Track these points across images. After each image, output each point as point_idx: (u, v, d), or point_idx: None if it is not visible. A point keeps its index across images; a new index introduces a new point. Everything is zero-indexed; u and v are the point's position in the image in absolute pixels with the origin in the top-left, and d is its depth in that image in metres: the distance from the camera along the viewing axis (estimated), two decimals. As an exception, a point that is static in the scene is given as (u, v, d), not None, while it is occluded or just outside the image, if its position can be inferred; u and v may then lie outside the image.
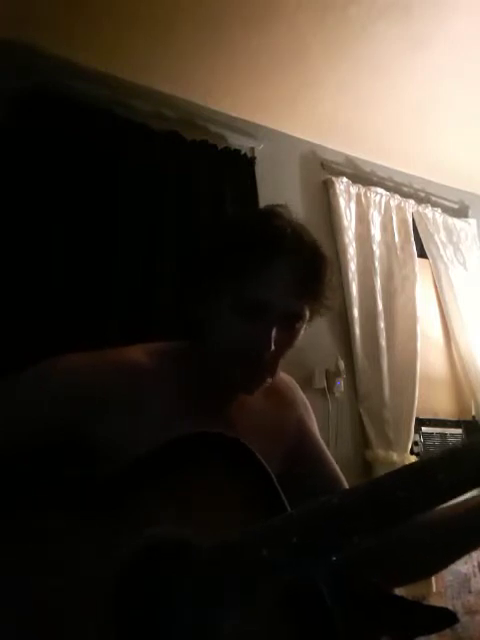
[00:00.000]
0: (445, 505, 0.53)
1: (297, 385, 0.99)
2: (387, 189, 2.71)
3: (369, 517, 0.51)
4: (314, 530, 0.52)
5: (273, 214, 0.82)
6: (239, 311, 0.77)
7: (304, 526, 0.52)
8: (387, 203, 2.67)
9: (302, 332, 0.82)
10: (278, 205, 0.85)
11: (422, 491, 0.51)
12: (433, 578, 2.02)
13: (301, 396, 0.98)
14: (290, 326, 0.79)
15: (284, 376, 0.96)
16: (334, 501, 0.53)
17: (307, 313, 0.80)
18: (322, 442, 0.94)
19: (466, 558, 2.24)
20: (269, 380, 0.81)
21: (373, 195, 2.63)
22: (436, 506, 0.52)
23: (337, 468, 0.91)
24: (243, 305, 0.77)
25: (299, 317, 0.80)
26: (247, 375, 0.79)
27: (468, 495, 0.56)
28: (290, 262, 0.77)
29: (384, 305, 2.43)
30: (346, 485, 0.89)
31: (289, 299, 0.77)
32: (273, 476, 0.62)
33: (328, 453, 0.93)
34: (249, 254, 0.77)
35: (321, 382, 2.18)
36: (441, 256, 2.73)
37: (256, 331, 0.76)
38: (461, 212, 3.00)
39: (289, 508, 0.59)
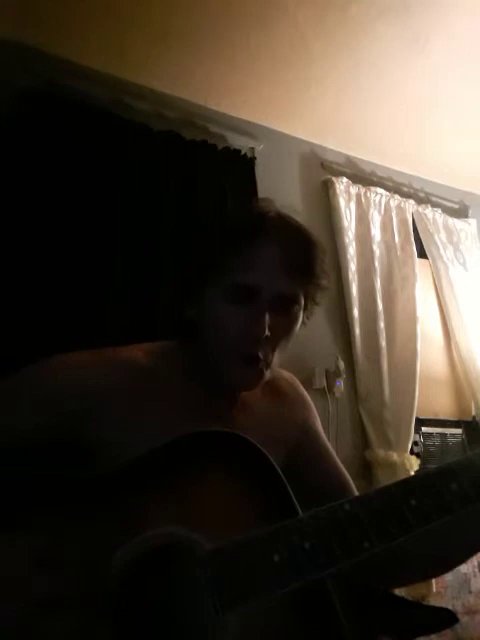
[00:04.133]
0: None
1: (298, 382, 0.97)
2: (387, 189, 2.70)
3: (381, 525, 0.51)
4: (326, 536, 0.52)
5: (256, 202, 0.84)
6: (230, 299, 0.76)
7: (316, 532, 0.52)
8: (387, 203, 2.66)
9: (299, 320, 0.79)
10: (263, 198, 0.85)
11: (435, 500, 0.50)
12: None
13: (303, 393, 0.96)
14: (285, 311, 0.77)
15: (285, 373, 0.95)
16: (346, 508, 0.53)
17: (301, 296, 0.78)
18: (326, 440, 0.93)
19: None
20: (267, 373, 0.78)
21: (373, 195, 2.63)
22: (449, 516, 0.52)
23: (342, 466, 0.90)
24: (233, 291, 0.76)
25: (293, 300, 0.78)
26: (244, 369, 0.76)
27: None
28: (275, 243, 0.76)
29: (384, 305, 2.43)
30: (352, 485, 0.88)
31: (279, 281, 0.75)
32: (279, 471, 0.61)
33: (333, 451, 0.91)
34: (234, 239, 0.77)
35: (321, 382, 2.18)
36: (441, 256, 2.73)
37: (248, 317, 0.74)
38: (461, 212, 3.00)
39: (296, 504, 0.59)
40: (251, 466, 0.61)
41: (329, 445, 0.93)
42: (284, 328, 0.77)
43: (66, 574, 0.56)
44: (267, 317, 0.73)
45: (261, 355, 0.76)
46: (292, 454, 0.83)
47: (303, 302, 0.79)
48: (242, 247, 0.76)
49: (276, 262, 0.75)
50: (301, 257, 0.77)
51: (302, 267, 0.77)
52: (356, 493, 0.86)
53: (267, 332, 0.73)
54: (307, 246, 0.79)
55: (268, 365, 0.77)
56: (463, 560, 0.73)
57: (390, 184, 2.77)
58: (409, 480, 0.54)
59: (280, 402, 0.91)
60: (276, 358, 0.78)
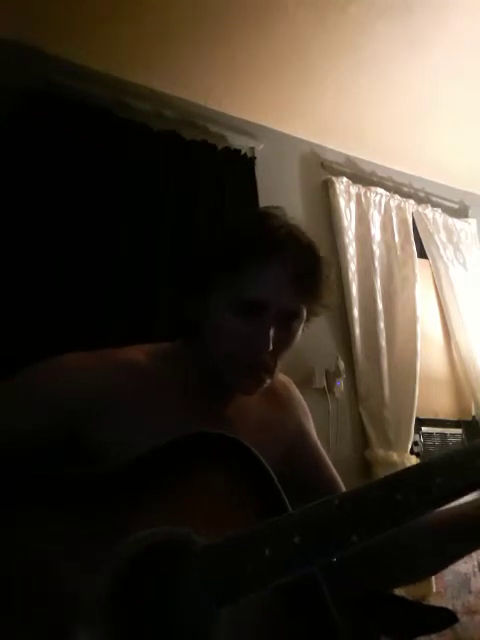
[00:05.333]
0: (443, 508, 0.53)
1: (294, 386, 0.98)
2: (387, 189, 2.71)
3: (369, 519, 0.52)
4: (316, 530, 0.52)
5: (268, 215, 0.83)
6: (236, 311, 0.77)
7: (306, 526, 0.53)
8: (387, 203, 2.67)
9: (300, 332, 0.82)
10: (274, 207, 0.85)
11: (421, 494, 0.51)
12: (433, 578, 2.02)
13: (299, 397, 0.98)
14: (288, 325, 0.79)
15: (282, 377, 0.96)
16: (335, 502, 0.53)
17: (304, 312, 0.80)
18: (320, 445, 0.94)
19: (466, 558, 2.24)
20: (268, 381, 0.80)
21: (373, 195, 2.63)
22: (434, 509, 0.53)
23: (334, 471, 0.91)
24: (240, 305, 0.77)
25: (296, 316, 0.79)
26: (245, 376, 0.78)
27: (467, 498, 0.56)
28: (285, 260, 0.77)
29: (384, 305, 2.43)
30: (343, 488, 0.89)
31: (285, 297, 0.77)
32: (273, 476, 0.62)
33: (326, 456, 0.93)
34: (244, 253, 0.77)
35: (321, 382, 2.18)
36: (441, 256, 2.73)
37: (254, 331, 0.76)
38: (461, 212, 3.00)
39: (290, 508, 0.59)
40: (247, 469, 0.62)
41: (322, 450, 0.94)
42: (286, 340, 0.79)
43: (65, 573, 0.56)
44: (272, 331, 0.75)
45: (263, 365, 0.78)
46: (286, 457, 0.84)
47: (305, 316, 0.81)
48: (253, 262, 0.77)
49: (285, 280, 0.76)
50: (309, 276, 0.79)
51: (309, 285, 0.79)
52: None
53: (271, 347, 0.75)
54: (315, 265, 0.80)
55: (270, 374, 0.80)
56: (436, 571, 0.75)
57: (390, 184, 2.77)
58: (396, 475, 0.55)
59: (276, 405, 0.92)
60: (277, 366, 0.81)
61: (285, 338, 0.79)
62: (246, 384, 0.80)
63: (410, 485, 0.52)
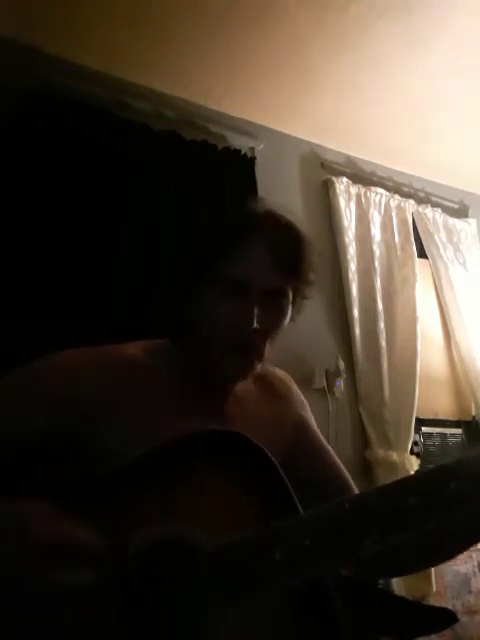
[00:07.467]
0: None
1: (292, 380, 0.99)
2: (387, 189, 2.71)
3: (382, 523, 0.51)
4: (327, 534, 0.52)
5: (249, 202, 0.87)
6: (223, 293, 0.78)
7: (317, 529, 0.52)
8: (387, 203, 2.67)
9: (288, 312, 0.82)
10: (258, 197, 0.89)
11: (434, 498, 0.51)
12: (433, 578, 2.02)
13: (297, 391, 0.98)
14: (274, 305, 0.79)
15: (279, 371, 0.96)
16: (346, 506, 0.53)
17: (289, 291, 0.81)
18: (322, 438, 0.94)
19: (466, 558, 2.24)
20: (258, 365, 0.80)
21: (373, 195, 2.63)
22: (447, 513, 0.52)
23: (341, 466, 0.91)
24: (223, 287, 0.78)
25: (281, 294, 0.80)
26: (234, 358, 0.78)
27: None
28: (264, 240, 0.78)
29: (384, 305, 2.43)
30: (350, 480, 0.88)
31: (268, 275, 0.78)
32: (279, 467, 0.61)
33: (331, 450, 0.92)
34: (227, 237, 0.80)
35: (321, 382, 2.17)
36: (441, 256, 2.73)
37: (238, 311, 0.76)
38: (461, 212, 3.00)
39: (297, 501, 0.59)
40: (250, 464, 0.62)
41: (325, 442, 0.94)
42: (273, 321, 0.80)
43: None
44: (256, 310, 0.76)
45: (251, 346, 0.78)
46: (288, 452, 0.83)
47: (291, 296, 0.82)
48: (233, 244, 0.79)
49: (265, 258, 0.78)
50: (289, 253, 0.79)
51: (290, 262, 0.79)
52: (355, 489, 0.88)
53: (256, 325, 0.75)
54: (295, 242, 0.81)
55: (259, 357, 0.80)
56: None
57: (390, 184, 2.77)
58: (408, 479, 0.54)
59: (275, 400, 0.92)
60: (266, 350, 0.80)
61: (273, 318, 0.79)
62: (235, 367, 0.79)
63: (424, 489, 0.51)
